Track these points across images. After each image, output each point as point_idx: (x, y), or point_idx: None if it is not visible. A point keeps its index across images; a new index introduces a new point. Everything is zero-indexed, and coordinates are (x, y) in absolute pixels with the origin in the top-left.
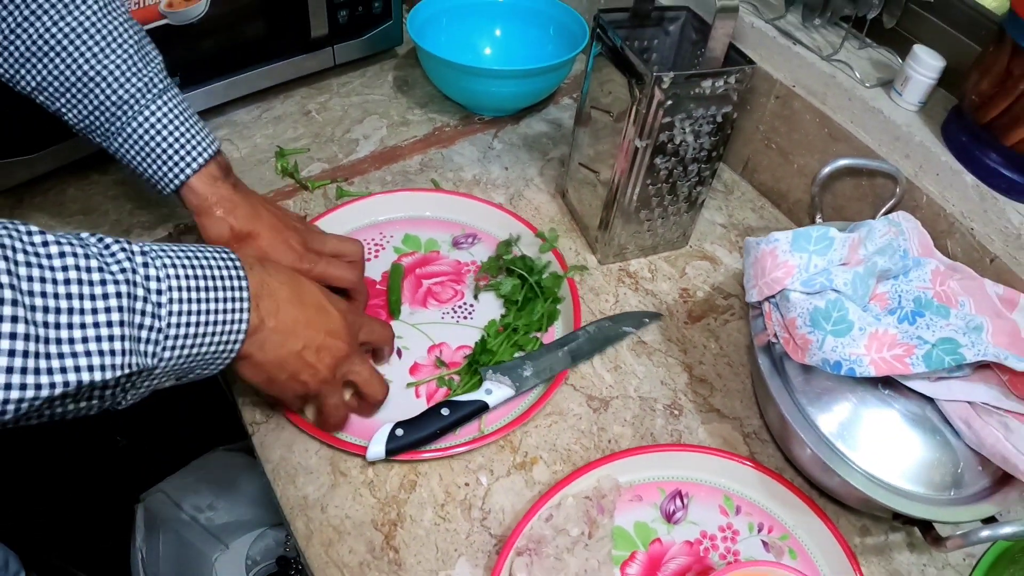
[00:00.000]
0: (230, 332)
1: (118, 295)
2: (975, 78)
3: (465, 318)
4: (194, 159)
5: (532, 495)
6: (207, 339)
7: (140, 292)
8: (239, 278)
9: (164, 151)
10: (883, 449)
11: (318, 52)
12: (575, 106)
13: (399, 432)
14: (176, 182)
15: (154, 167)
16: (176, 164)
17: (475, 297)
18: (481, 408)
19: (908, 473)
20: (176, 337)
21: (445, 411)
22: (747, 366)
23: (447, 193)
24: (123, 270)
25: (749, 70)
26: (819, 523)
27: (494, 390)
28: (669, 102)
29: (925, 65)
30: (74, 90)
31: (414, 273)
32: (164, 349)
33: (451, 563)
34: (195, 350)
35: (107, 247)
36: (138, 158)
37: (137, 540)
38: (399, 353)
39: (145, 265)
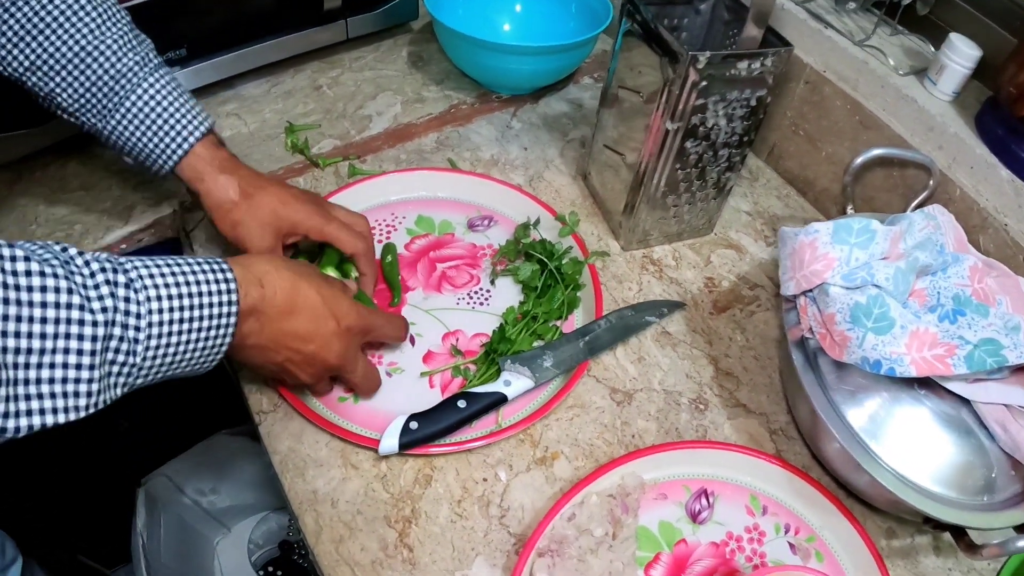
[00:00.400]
0: (207, 355)
1: (94, 338)
2: (1012, 70)
3: (481, 304)
4: (196, 127)
5: (553, 492)
6: (182, 363)
7: (118, 331)
8: (230, 303)
9: (166, 121)
10: (916, 450)
11: (330, 25)
12: (596, 86)
13: (413, 425)
14: (180, 151)
15: (155, 140)
16: (179, 134)
17: (492, 282)
18: (499, 400)
19: (940, 476)
20: (150, 368)
21: (462, 403)
22: (774, 359)
23: (464, 173)
24: (104, 309)
25: (785, 52)
26: (846, 524)
27: (513, 381)
28: (703, 83)
29: (961, 54)
30: (70, 67)
31: (428, 256)
32: (136, 379)
33: (468, 563)
34: (168, 372)
35: (92, 275)
36: (137, 133)
37: (138, 525)
38: (412, 340)
39: (127, 300)
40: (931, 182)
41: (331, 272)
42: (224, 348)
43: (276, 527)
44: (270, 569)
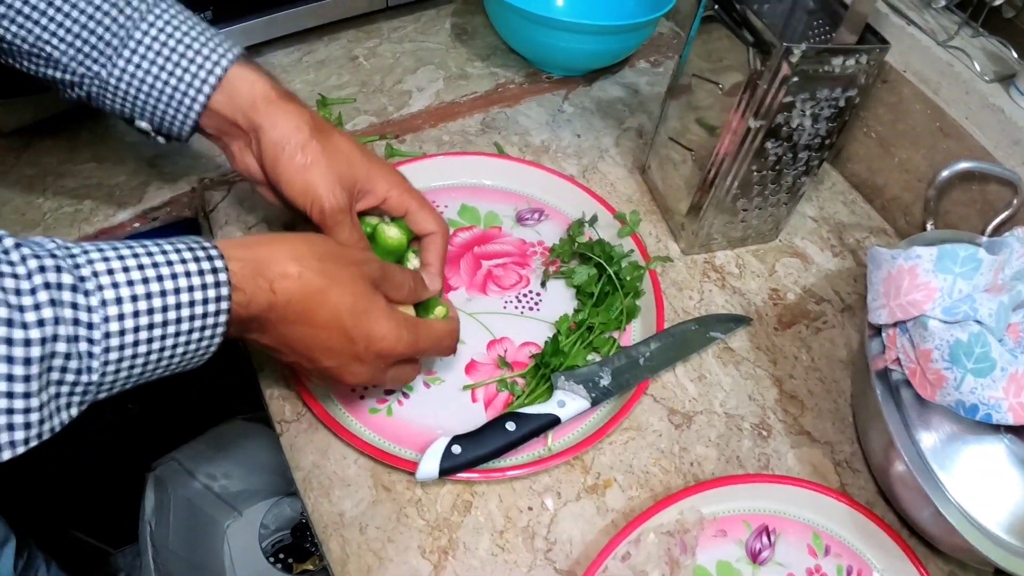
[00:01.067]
0: (189, 360)
1: (27, 361)
2: None
3: (531, 309)
4: (227, 50)
5: (604, 524)
6: (156, 371)
7: (62, 348)
8: (218, 301)
9: (188, 47)
10: (996, 498)
11: None
12: (652, 71)
13: (456, 449)
14: (214, 78)
15: (178, 73)
16: (207, 59)
17: (542, 284)
18: (552, 422)
19: (1016, 526)
20: (114, 382)
21: (511, 425)
22: (839, 383)
23: (514, 160)
24: (41, 322)
25: (881, 51)
26: (910, 567)
27: (567, 402)
28: (795, 79)
29: None
30: (59, 1)
31: (472, 251)
32: (96, 395)
33: None
34: (140, 382)
35: (28, 276)
36: (154, 70)
37: (147, 511)
38: None
39: (75, 306)
40: (1015, 200)
41: (396, 232)
42: (212, 351)
43: (289, 512)
44: (281, 556)
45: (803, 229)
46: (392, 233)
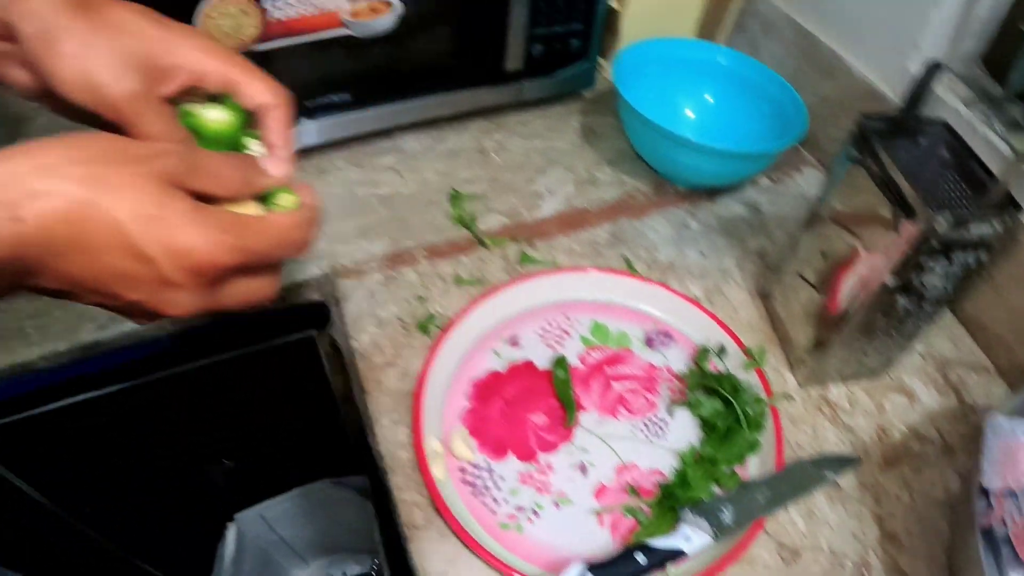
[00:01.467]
0: None
1: None
2: None
3: (657, 436)
4: None
5: None
6: None
7: None
8: None
9: None
10: None
11: (505, 86)
12: (774, 188)
13: None
14: None
15: None
16: None
17: (668, 412)
18: (676, 554)
19: None
20: None
21: (640, 558)
22: (935, 523)
23: (642, 280)
24: None
25: (1011, 219)
26: None
27: (692, 537)
28: (935, 244)
29: None
30: None
31: (603, 372)
32: None
33: None
34: None
35: None
36: None
37: (225, 561)
38: (583, 469)
39: None
40: None
41: (218, 114)
42: None
43: (355, 567)
44: None
45: (910, 365)
46: (213, 116)
